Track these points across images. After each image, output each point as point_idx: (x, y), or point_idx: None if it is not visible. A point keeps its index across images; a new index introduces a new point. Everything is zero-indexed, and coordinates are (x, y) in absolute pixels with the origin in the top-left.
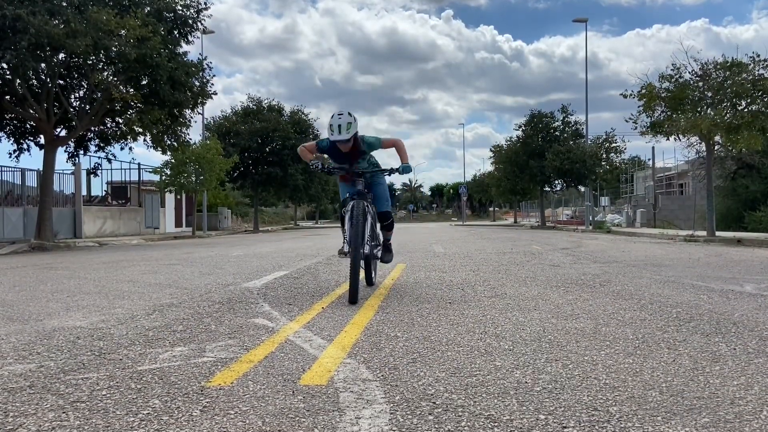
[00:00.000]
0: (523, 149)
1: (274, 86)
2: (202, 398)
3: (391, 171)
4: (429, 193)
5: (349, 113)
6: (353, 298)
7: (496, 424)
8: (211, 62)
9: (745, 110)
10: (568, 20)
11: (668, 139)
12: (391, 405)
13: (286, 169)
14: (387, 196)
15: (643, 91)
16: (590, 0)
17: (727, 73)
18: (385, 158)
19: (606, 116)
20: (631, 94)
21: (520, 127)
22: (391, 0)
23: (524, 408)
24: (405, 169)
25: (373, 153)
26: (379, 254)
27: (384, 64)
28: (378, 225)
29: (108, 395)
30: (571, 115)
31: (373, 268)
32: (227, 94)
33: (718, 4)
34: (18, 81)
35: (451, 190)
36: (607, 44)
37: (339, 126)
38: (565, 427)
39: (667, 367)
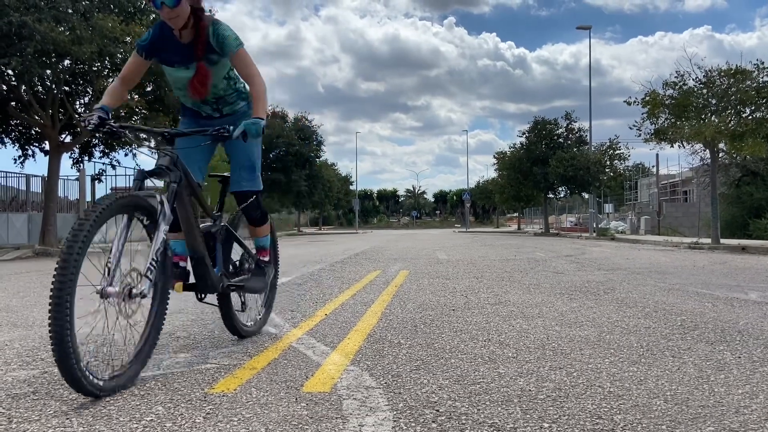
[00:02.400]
0: (527, 156)
1: (277, 93)
2: (205, 405)
3: (220, 134)
4: (432, 200)
5: None
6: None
7: None
8: None
9: (750, 117)
10: (571, 28)
11: (672, 146)
12: (395, 412)
13: (289, 175)
14: (251, 162)
15: (647, 98)
16: (593, 7)
17: (731, 80)
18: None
19: (609, 123)
20: (635, 101)
21: (523, 134)
22: (393, 7)
23: (528, 416)
24: (251, 128)
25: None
26: (245, 282)
27: (387, 70)
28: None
29: (111, 401)
30: (575, 122)
31: (243, 304)
32: None
33: (721, 12)
34: (23, 87)
35: (455, 197)
36: (610, 51)
37: None
38: None
39: (671, 375)
